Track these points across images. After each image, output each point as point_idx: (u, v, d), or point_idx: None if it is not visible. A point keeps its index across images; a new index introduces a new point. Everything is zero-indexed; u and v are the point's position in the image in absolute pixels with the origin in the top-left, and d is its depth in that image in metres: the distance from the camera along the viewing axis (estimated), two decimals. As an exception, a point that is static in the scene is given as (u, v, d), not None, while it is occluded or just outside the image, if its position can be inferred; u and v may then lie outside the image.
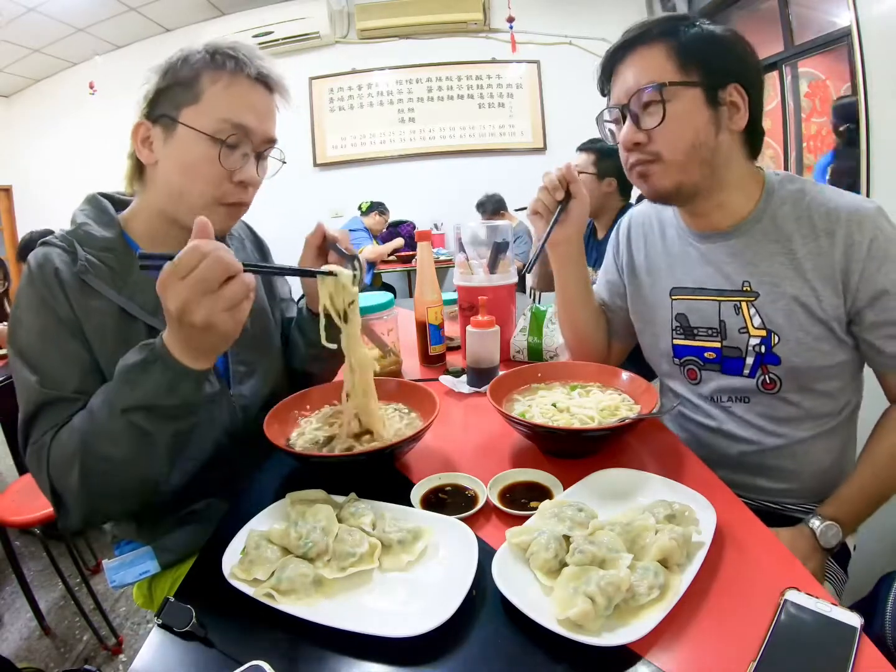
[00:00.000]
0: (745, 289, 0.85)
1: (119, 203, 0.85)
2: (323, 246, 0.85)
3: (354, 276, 0.75)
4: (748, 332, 0.86)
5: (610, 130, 0.89)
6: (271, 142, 0.80)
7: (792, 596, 0.50)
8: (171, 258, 0.56)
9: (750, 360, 0.87)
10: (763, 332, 0.85)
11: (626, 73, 0.82)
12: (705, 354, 0.92)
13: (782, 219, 0.83)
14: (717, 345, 0.90)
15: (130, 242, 0.80)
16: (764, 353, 0.85)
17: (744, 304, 0.86)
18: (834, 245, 0.78)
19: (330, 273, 0.73)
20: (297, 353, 0.96)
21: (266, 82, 0.78)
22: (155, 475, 0.70)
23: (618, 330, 1.09)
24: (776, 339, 0.84)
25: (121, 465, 0.66)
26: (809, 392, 0.86)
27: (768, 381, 0.87)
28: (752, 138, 0.85)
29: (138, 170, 0.81)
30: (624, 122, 0.83)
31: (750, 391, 0.89)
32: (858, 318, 0.81)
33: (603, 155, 2.01)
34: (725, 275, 0.87)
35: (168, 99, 0.75)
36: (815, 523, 0.80)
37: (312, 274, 0.73)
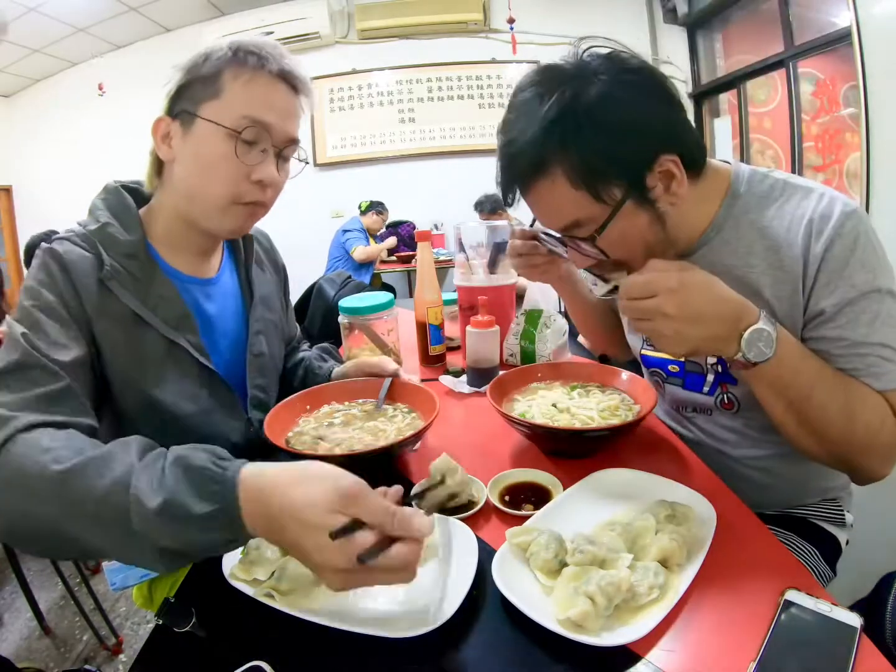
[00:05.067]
0: None
1: (140, 197, 0.82)
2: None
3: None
4: None
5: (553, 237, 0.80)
6: (293, 142, 0.78)
7: (792, 596, 0.50)
8: (374, 554, 0.44)
9: (710, 378, 0.84)
10: None
11: (535, 209, 0.73)
12: (669, 367, 0.90)
13: (745, 226, 0.74)
14: (682, 359, 0.87)
15: (150, 248, 0.78)
16: (721, 372, 0.82)
17: None
18: (794, 259, 0.70)
19: None
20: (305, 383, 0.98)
21: (288, 80, 0.76)
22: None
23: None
24: None
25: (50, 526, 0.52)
26: None
27: (726, 401, 0.84)
28: (693, 165, 0.72)
29: (158, 167, 0.79)
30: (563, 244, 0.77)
31: (711, 407, 0.87)
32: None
33: None
34: None
35: (189, 95, 0.73)
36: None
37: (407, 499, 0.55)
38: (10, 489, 0.53)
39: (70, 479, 0.51)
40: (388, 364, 0.92)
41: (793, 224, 0.71)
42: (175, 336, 0.75)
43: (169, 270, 0.79)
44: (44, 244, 0.72)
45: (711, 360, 0.83)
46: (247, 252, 0.92)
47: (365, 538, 0.44)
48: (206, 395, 0.79)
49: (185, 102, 0.74)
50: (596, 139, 0.63)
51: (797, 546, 0.85)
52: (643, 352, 0.95)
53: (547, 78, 0.67)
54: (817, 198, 0.71)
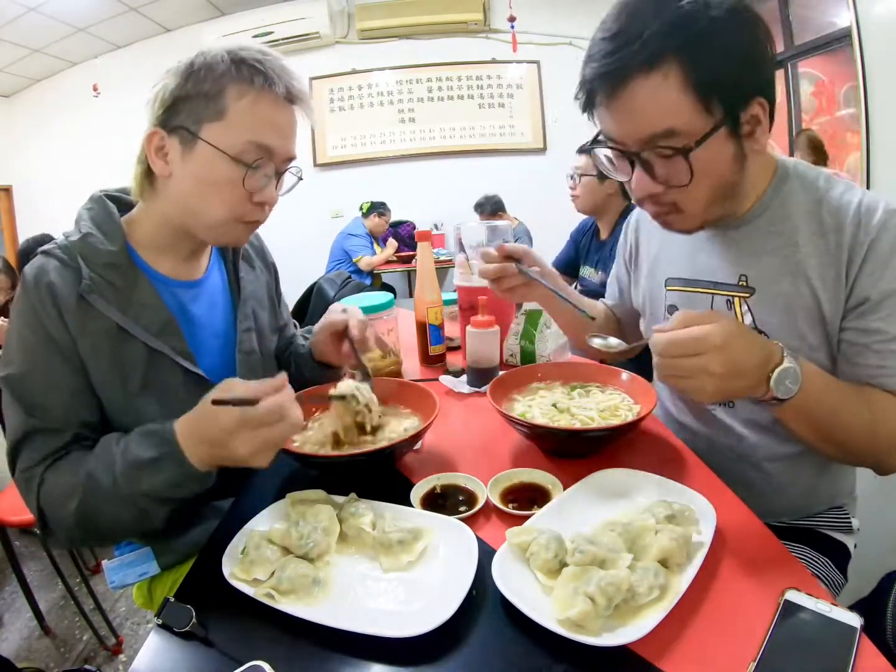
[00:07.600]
0: (740, 283, 0.79)
1: (125, 204, 0.82)
2: (343, 334, 0.89)
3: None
4: None
5: (608, 158, 0.74)
6: (292, 159, 0.77)
7: (792, 596, 0.50)
8: (246, 402, 0.59)
9: None
10: None
11: (624, 111, 0.65)
12: None
13: (792, 207, 0.75)
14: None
15: (133, 255, 0.77)
16: None
17: (736, 300, 0.80)
18: (841, 245, 0.71)
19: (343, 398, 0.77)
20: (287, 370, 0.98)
21: (292, 100, 0.75)
22: (149, 530, 0.72)
23: (630, 325, 1.08)
24: None
25: (119, 524, 0.68)
26: None
27: None
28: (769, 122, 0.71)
29: (148, 177, 0.77)
30: (631, 165, 0.69)
31: None
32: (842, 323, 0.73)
33: None
34: (723, 266, 0.81)
35: (187, 110, 0.70)
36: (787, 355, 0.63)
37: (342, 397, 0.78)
38: (56, 522, 0.70)
39: (84, 514, 0.66)
40: (348, 318, 0.89)
41: (840, 211, 0.72)
42: (157, 344, 0.75)
43: (154, 275, 0.79)
44: (25, 269, 0.73)
45: None
46: (234, 250, 0.92)
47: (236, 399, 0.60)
48: (193, 401, 0.75)
49: (183, 118, 0.71)
50: (718, 50, 0.62)
51: (810, 558, 0.84)
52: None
53: None
54: (861, 192, 0.73)
